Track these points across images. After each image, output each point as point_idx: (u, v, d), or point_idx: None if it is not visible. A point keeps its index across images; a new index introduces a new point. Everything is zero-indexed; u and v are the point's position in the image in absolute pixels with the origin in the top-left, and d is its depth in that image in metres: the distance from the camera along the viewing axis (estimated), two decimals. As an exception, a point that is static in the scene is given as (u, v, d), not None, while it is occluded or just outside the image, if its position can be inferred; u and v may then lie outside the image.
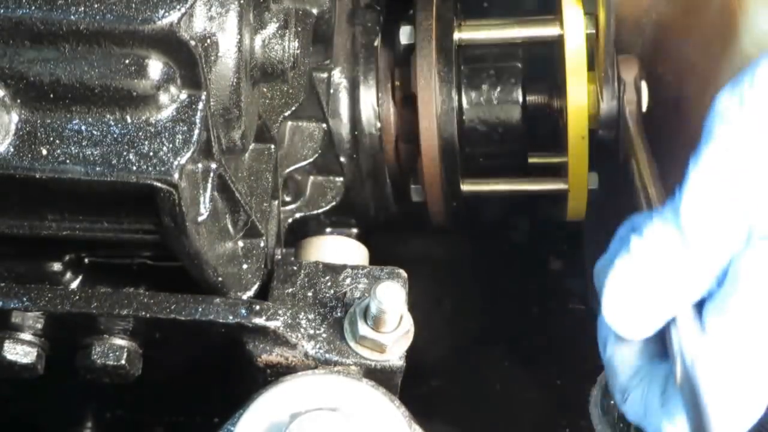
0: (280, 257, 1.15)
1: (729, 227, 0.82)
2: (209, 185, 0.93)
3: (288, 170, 1.18)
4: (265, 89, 1.08)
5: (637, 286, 0.85)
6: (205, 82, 0.88)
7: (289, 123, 1.18)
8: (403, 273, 1.03)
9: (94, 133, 0.87)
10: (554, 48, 1.28)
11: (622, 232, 0.91)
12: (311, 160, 1.20)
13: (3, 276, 1.02)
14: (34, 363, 0.99)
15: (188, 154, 0.87)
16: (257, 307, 0.98)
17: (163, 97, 0.88)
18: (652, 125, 1.23)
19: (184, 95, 0.88)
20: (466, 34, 1.28)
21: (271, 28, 0.99)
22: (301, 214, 1.26)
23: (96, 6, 0.84)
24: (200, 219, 0.92)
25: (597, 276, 0.91)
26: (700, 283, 0.84)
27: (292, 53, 1.00)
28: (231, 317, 0.97)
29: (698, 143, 0.84)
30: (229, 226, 1.01)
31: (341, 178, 1.28)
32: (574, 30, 1.21)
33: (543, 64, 1.33)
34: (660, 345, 0.88)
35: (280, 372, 0.98)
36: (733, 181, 0.82)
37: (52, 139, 0.87)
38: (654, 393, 0.87)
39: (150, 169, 0.87)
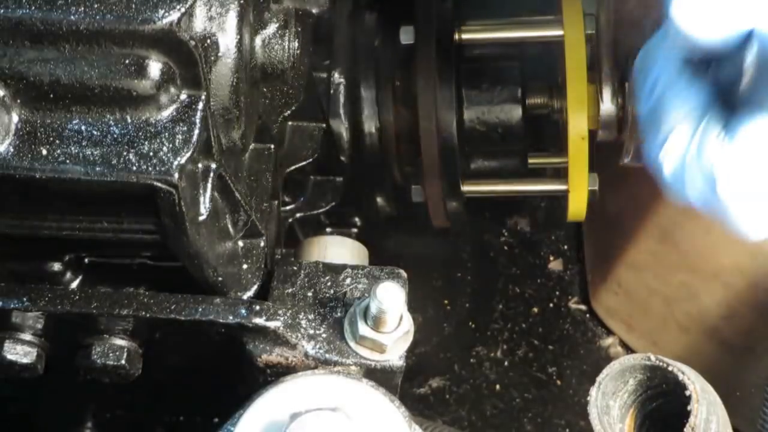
0: (280, 257, 1.15)
1: None
2: (209, 185, 0.93)
3: (288, 170, 1.18)
4: (265, 89, 1.08)
5: None
6: (205, 82, 0.88)
7: (289, 123, 1.18)
8: (403, 273, 1.03)
9: (94, 133, 0.87)
10: (554, 48, 1.28)
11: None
12: (311, 160, 1.20)
13: (3, 276, 1.02)
14: (34, 363, 0.99)
15: (188, 154, 0.87)
16: (257, 307, 0.98)
17: (163, 97, 0.88)
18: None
19: (184, 95, 0.88)
20: (466, 34, 1.28)
21: (271, 28, 0.99)
22: (301, 214, 1.26)
23: (96, 6, 0.84)
24: (200, 219, 0.92)
25: (644, 55, 0.76)
26: None
27: (292, 53, 1.00)
28: (231, 317, 0.97)
29: None
30: (229, 226, 1.01)
31: (341, 178, 1.28)
32: (574, 30, 1.21)
33: (543, 64, 1.33)
34: (723, 95, 0.73)
35: (280, 372, 0.98)
36: None
37: (52, 139, 0.87)
38: (713, 125, 0.71)
39: (150, 169, 0.87)
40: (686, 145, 0.71)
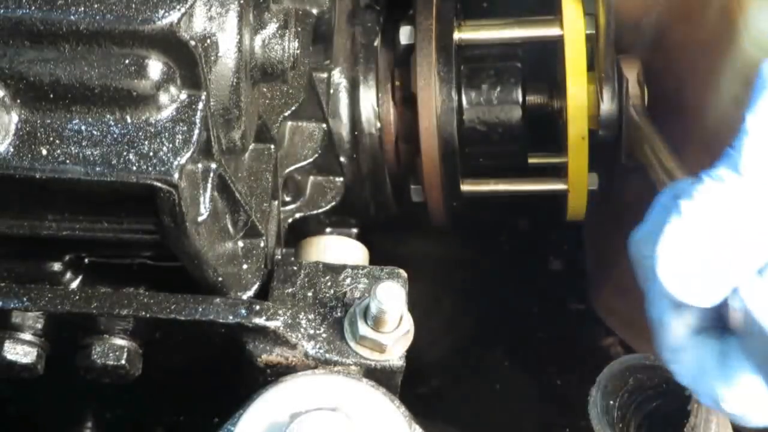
0: (280, 257, 1.15)
1: None
2: (209, 185, 0.93)
3: (288, 170, 1.18)
4: (265, 89, 1.08)
5: (697, 249, 0.78)
6: (205, 82, 0.88)
7: (289, 123, 1.18)
8: (403, 273, 1.03)
9: (94, 133, 0.87)
10: (554, 48, 1.28)
11: (664, 199, 0.84)
12: (311, 160, 1.20)
13: (3, 276, 1.02)
14: (34, 363, 0.99)
15: (188, 154, 0.87)
16: (257, 307, 0.98)
17: (163, 97, 0.88)
18: (652, 126, 1.23)
19: (184, 95, 0.88)
20: (466, 34, 1.28)
21: (271, 28, 0.99)
22: (301, 214, 1.26)
23: (96, 6, 0.84)
24: (200, 219, 0.92)
25: (637, 246, 0.84)
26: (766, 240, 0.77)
27: (292, 53, 1.00)
28: (231, 317, 0.97)
29: (751, 90, 0.79)
30: (229, 226, 1.01)
31: (341, 178, 1.28)
32: (574, 30, 1.21)
33: (543, 64, 1.33)
34: (718, 315, 0.83)
35: (280, 372, 0.98)
36: None
37: (52, 139, 0.87)
38: (711, 354, 0.81)
39: (150, 169, 0.87)
40: (690, 365, 0.82)
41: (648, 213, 0.85)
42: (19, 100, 0.87)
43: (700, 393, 0.82)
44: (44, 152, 0.87)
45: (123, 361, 0.99)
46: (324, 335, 0.99)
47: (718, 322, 0.82)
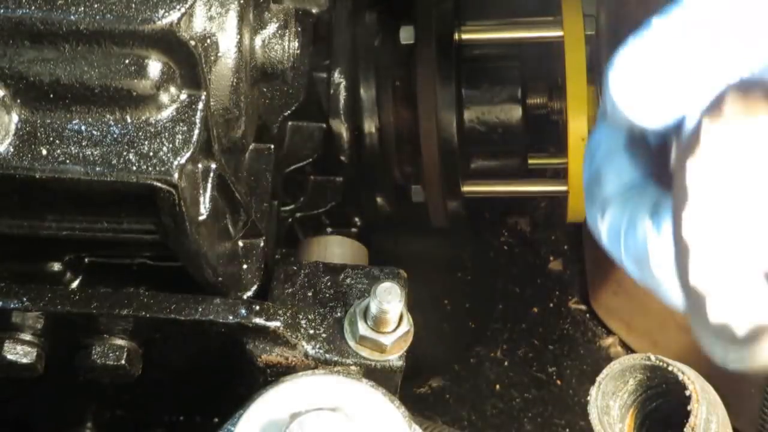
0: (280, 257, 1.15)
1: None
2: (209, 185, 0.93)
3: (288, 170, 1.18)
4: (265, 89, 1.08)
5: (656, 62, 0.69)
6: (205, 82, 0.88)
7: (289, 123, 1.18)
8: (403, 273, 1.03)
9: (94, 133, 0.87)
10: (554, 48, 1.28)
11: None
12: (311, 160, 1.20)
13: (3, 276, 1.02)
14: (34, 363, 0.99)
15: (188, 154, 0.87)
16: (257, 307, 0.97)
17: (163, 97, 0.88)
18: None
19: (184, 95, 0.88)
20: (466, 34, 1.28)
21: (271, 28, 0.99)
22: (301, 214, 1.26)
23: (96, 6, 0.84)
24: (200, 219, 0.92)
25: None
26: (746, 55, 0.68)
27: (292, 53, 1.00)
28: (231, 317, 0.97)
29: None
30: (229, 226, 1.01)
31: (341, 178, 1.28)
32: (574, 31, 1.21)
33: (543, 64, 1.33)
34: (659, 168, 0.74)
35: (280, 372, 0.98)
36: None
37: (52, 139, 0.87)
38: (643, 204, 0.72)
39: (150, 169, 0.87)
40: (619, 221, 0.73)
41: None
42: (19, 100, 0.87)
43: (624, 254, 0.72)
44: (44, 152, 0.87)
45: (123, 361, 0.99)
46: (324, 335, 0.99)
47: (655, 183, 0.73)
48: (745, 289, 0.62)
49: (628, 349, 1.47)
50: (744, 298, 0.62)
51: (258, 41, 0.98)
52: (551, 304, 1.51)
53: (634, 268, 0.72)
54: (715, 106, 0.64)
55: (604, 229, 0.74)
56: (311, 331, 0.99)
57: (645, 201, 0.72)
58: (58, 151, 0.87)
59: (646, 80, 0.69)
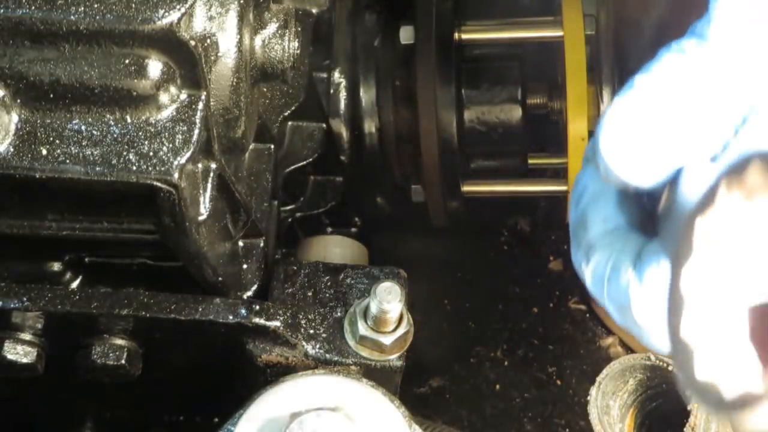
0: (280, 257, 1.15)
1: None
2: (209, 185, 0.93)
3: (288, 170, 1.18)
4: (265, 89, 1.08)
5: (646, 122, 0.69)
6: (205, 82, 0.88)
7: (289, 123, 1.18)
8: (403, 273, 1.03)
9: (94, 133, 0.87)
10: (554, 49, 1.28)
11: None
12: (311, 160, 1.20)
13: (3, 276, 1.02)
14: (34, 363, 0.99)
15: (188, 154, 0.87)
16: (257, 307, 0.98)
17: (163, 97, 0.88)
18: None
19: (184, 95, 0.88)
20: (466, 34, 1.28)
21: (271, 28, 0.99)
22: (301, 214, 1.26)
23: (96, 6, 0.84)
24: (200, 219, 0.92)
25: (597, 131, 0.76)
26: (722, 121, 0.68)
27: (292, 53, 1.00)
28: (231, 317, 0.97)
29: None
30: (229, 226, 1.01)
31: (341, 178, 1.28)
32: (574, 31, 1.21)
33: (543, 64, 1.33)
34: (644, 214, 0.76)
35: (280, 372, 0.98)
36: None
37: (52, 139, 0.87)
38: (627, 252, 0.72)
39: (150, 169, 0.87)
40: (603, 268, 0.73)
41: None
42: (19, 100, 0.87)
43: (607, 300, 0.73)
44: (44, 152, 0.87)
45: (123, 361, 0.99)
46: (324, 335, 0.99)
47: (640, 228, 0.75)
48: (735, 352, 0.62)
49: (628, 349, 1.47)
50: (733, 360, 0.62)
51: (258, 41, 0.98)
52: (551, 304, 1.51)
53: (617, 314, 0.73)
54: (735, 172, 0.63)
55: (588, 274, 0.74)
56: (311, 331, 0.99)
57: (628, 248, 0.72)
58: (58, 151, 0.87)
59: (637, 141, 0.69)
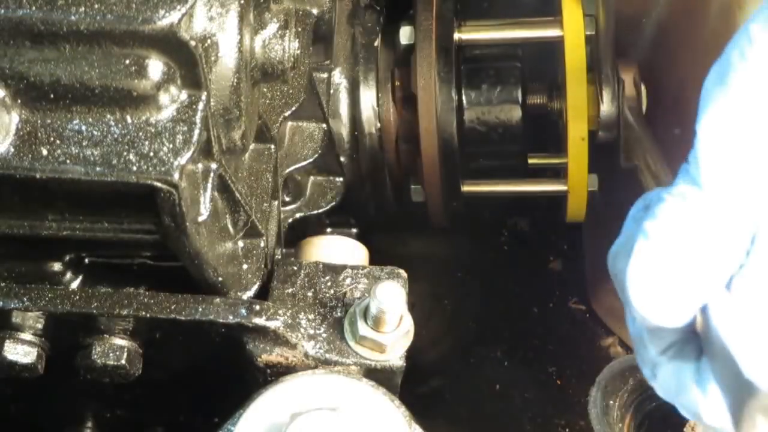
0: (280, 257, 1.15)
1: (756, 181, 0.75)
2: (209, 185, 0.93)
3: (288, 170, 1.18)
4: (265, 89, 1.08)
5: (664, 270, 0.78)
6: (205, 82, 0.88)
7: (289, 123, 1.18)
8: (403, 273, 1.03)
9: (94, 133, 0.87)
10: (554, 48, 1.28)
11: (635, 212, 0.84)
12: (311, 160, 1.20)
13: (3, 276, 1.02)
14: (34, 363, 1.00)
15: (188, 154, 0.87)
16: (257, 307, 0.98)
17: (164, 97, 0.88)
18: (652, 127, 1.23)
19: (184, 95, 0.88)
20: (466, 34, 1.28)
21: (271, 28, 0.99)
22: (301, 214, 1.26)
23: (96, 6, 0.84)
24: (200, 219, 0.92)
25: (613, 260, 0.85)
26: (732, 253, 0.77)
27: (292, 53, 1.00)
28: (231, 317, 0.97)
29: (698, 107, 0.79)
30: (229, 226, 1.01)
31: (341, 178, 1.28)
32: (574, 31, 1.21)
33: (543, 64, 1.33)
34: (694, 319, 0.83)
35: (280, 372, 0.98)
36: (751, 127, 0.75)
37: (52, 139, 0.87)
38: (688, 368, 0.82)
39: (150, 169, 0.87)
40: (669, 385, 0.83)
41: (624, 223, 0.85)
42: (19, 100, 0.87)
43: (681, 408, 0.83)
44: (44, 152, 0.87)
45: (123, 361, 0.99)
46: (324, 335, 0.99)
47: (695, 336, 0.83)
48: None
49: (628, 349, 1.47)
50: None
51: (258, 41, 0.98)
52: (551, 304, 1.51)
53: (692, 417, 0.83)
54: None
55: (658, 388, 0.84)
56: (311, 331, 0.99)
57: (687, 365, 0.81)
58: (59, 151, 0.87)
59: (662, 291, 0.78)
